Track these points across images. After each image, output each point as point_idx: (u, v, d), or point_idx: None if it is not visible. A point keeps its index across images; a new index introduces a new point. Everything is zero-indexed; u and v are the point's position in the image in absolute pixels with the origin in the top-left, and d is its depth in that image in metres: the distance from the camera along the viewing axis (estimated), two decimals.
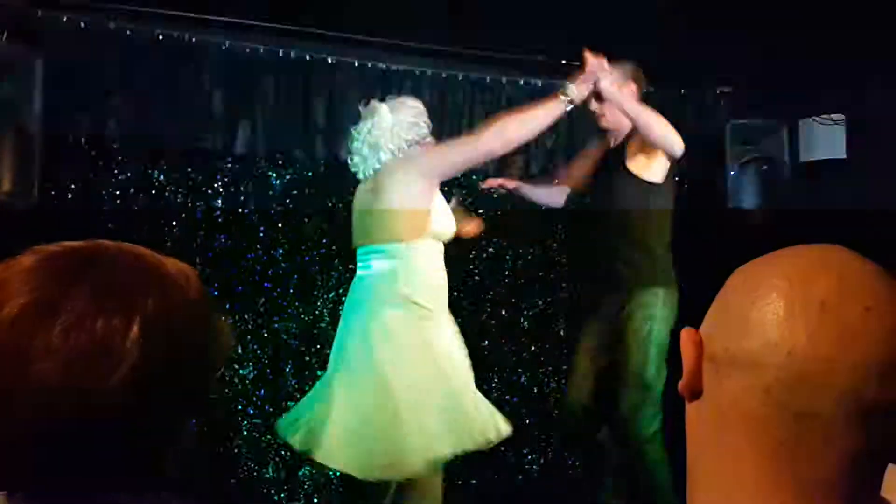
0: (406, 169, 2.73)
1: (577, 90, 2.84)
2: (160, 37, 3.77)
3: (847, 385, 0.60)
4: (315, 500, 4.20)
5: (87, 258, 0.81)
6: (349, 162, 2.95)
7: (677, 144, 3.05)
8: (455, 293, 4.37)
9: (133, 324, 0.77)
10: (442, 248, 2.81)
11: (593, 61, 2.91)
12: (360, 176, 2.93)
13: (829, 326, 0.61)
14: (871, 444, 0.61)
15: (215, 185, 4.11)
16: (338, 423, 2.59)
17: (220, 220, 4.11)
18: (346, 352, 2.73)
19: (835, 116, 4.17)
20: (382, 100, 2.93)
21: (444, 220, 2.78)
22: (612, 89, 3.00)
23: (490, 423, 2.76)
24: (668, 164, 3.23)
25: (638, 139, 3.25)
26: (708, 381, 0.67)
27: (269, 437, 4.12)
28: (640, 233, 3.19)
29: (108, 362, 0.76)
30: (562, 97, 2.80)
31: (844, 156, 4.16)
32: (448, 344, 2.74)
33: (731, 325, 0.66)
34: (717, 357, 0.66)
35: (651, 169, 3.22)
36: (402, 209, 2.66)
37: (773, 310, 0.63)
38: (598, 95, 3.16)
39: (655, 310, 3.09)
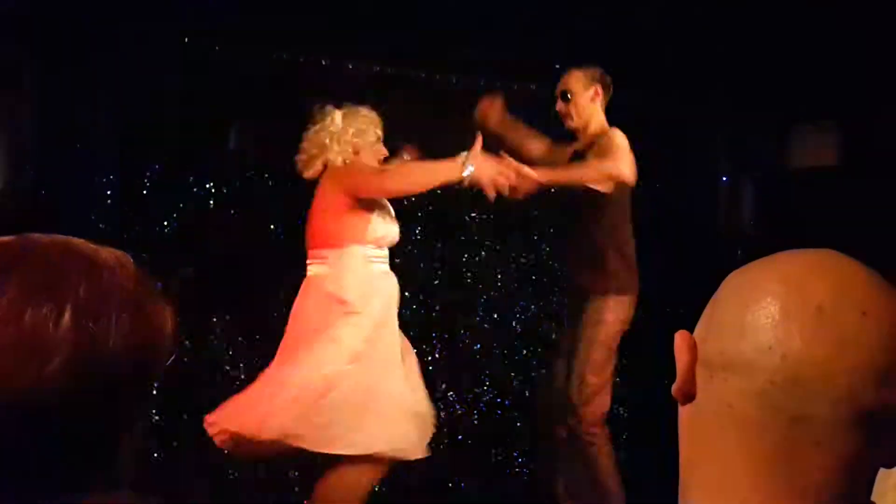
0: (335, 184, 2.86)
1: (474, 164, 2.81)
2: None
3: (843, 390, 0.60)
4: (304, 502, 4.18)
5: (15, 251, 0.79)
6: (296, 158, 3.02)
7: (623, 177, 3.04)
8: (448, 296, 4.42)
9: (64, 312, 0.75)
10: (384, 252, 2.92)
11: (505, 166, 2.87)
12: (305, 174, 3.00)
13: (825, 331, 0.61)
14: (864, 449, 0.61)
15: (207, 186, 4.10)
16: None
17: (211, 221, 4.09)
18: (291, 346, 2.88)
19: (826, 123, 4.20)
20: (339, 105, 3.02)
21: (383, 228, 2.89)
22: (526, 173, 2.89)
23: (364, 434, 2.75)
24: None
25: (597, 149, 3.20)
26: (702, 384, 0.67)
27: None
28: (591, 241, 3.19)
29: (39, 353, 0.74)
30: (461, 163, 2.81)
31: (836, 163, 4.18)
32: (363, 342, 2.78)
33: (726, 329, 0.65)
34: (711, 361, 0.66)
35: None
36: (335, 216, 2.82)
37: (768, 313, 0.63)
38: (563, 95, 3.19)
39: (604, 315, 3.15)
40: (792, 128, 4.34)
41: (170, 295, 0.87)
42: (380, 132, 3.00)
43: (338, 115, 2.95)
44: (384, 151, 3.02)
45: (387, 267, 2.94)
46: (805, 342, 0.61)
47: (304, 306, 2.90)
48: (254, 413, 2.71)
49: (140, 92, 3.78)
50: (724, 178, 4.73)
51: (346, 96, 3.16)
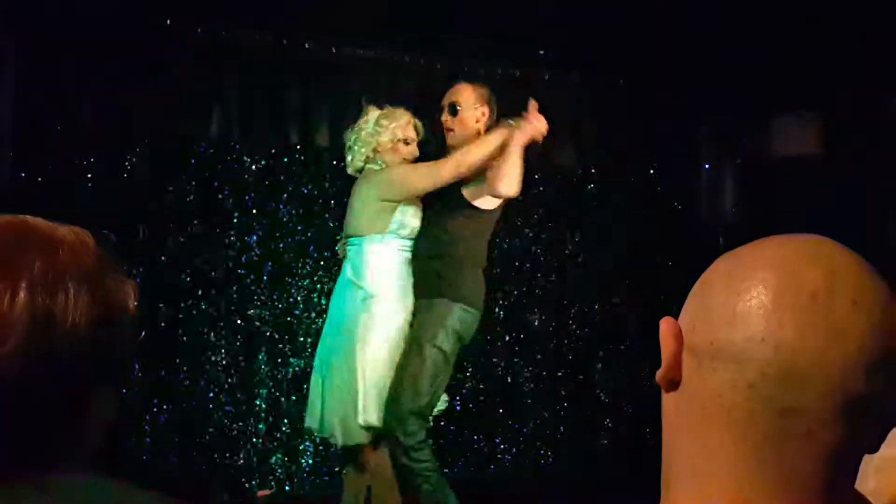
0: (370, 185, 3.07)
1: (524, 124, 3.03)
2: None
3: (835, 380, 0.59)
4: (287, 488, 4.18)
5: None
6: (345, 155, 3.24)
7: (513, 190, 3.02)
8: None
9: (19, 290, 0.74)
10: (406, 242, 3.11)
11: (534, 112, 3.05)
12: (349, 169, 3.22)
13: (817, 319, 0.60)
14: (853, 439, 0.61)
15: (189, 170, 4.06)
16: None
17: (192, 204, 4.06)
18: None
19: (808, 113, 4.22)
20: (379, 104, 3.22)
21: (405, 220, 3.08)
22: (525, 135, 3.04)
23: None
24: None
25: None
26: (689, 373, 0.66)
27: (240, 424, 4.10)
28: (455, 252, 3.11)
29: None
30: (510, 123, 3.05)
31: (819, 151, 4.21)
32: (382, 325, 2.99)
33: (716, 318, 0.64)
34: (699, 349, 0.65)
35: (482, 197, 3.10)
36: (363, 211, 3.05)
37: (759, 302, 0.62)
38: (452, 108, 3.14)
39: (448, 321, 3.03)
40: (774, 117, 4.36)
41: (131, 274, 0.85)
42: (405, 133, 3.15)
43: (372, 114, 3.15)
44: (416, 152, 3.18)
45: (409, 254, 3.11)
46: (798, 332, 0.60)
47: (335, 295, 3.15)
48: None
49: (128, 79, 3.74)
50: (706, 166, 4.76)
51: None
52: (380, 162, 3.14)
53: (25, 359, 0.74)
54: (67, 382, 0.78)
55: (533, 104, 3.05)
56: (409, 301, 3.06)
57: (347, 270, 3.06)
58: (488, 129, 3.15)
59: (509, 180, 2.98)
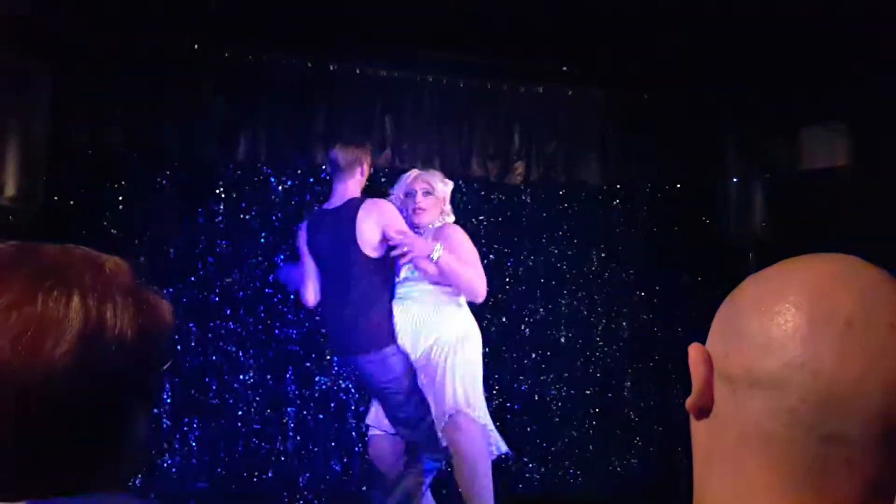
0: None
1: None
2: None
3: (876, 406, 0.58)
4: None
5: (13, 251, 0.81)
6: None
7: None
8: None
9: (73, 294, 0.77)
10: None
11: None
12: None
13: (855, 345, 0.59)
14: (893, 467, 0.59)
15: (217, 192, 4.12)
16: None
17: (221, 225, 4.11)
18: None
19: (836, 124, 4.17)
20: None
21: None
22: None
23: None
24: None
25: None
26: (722, 400, 0.65)
27: (267, 444, 4.11)
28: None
29: (53, 333, 0.75)
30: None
31: (848, 163, 4.15)
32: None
33: (750, 343, 0.63)
34: (734, 377, 0.63)
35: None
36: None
37: (794, 327, 0.60)
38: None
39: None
40: (802, 130, 4.31)
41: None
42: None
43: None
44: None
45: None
46: (836, 358, 0.59)
47: None
48: None
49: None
50: (735, 180, 4.71)
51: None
52: None
53: (77, 362, 0.76)
54: (112, 392, 0.80)
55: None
56: None
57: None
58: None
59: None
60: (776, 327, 0.62)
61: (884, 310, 0.60)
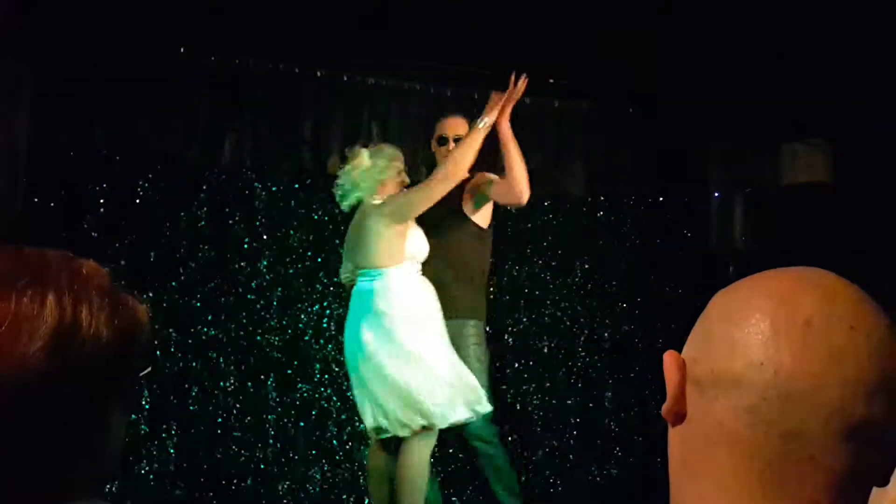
0: (378, 216, 3.28)
1: (488, 118, 3.32)
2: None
3: (834, 404, 0.60)
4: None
5: None
6: (334, 193, 3.44)
7: (525, 195, 3.32)
8: None
9: (48, 293, 0.78)
10: (419, 266, 3.32)
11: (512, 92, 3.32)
12: (343, 206, 3.43)
13: (815, 345, 0.61)
14: (856, 465, 0.61)
15: (200, 196, 4.09)
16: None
17: (203, 230, 4.09)
18: (350, 354, 3.30)
19: (817, 140, 4.22)
20: (365, 145, 3.46)
21: (417, 245, 3.31)
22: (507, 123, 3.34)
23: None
24: (490, 213, 3.53)
25: (472, 185, 3.41)
26: (692, 404, 0.66)
27: (248, 450, 4.08)
28: (463, 268, 3.47)
29: (27, 332, 0.75)
30: (479, 125, 3.30)
31: (828, 179, 4.21)
32: (417, 343, 3.18)
33: (716, 347, 0.65)
34: (701, 380, 0.65)
35: (480, 214, 3.48)
36: (378, 245, 3.26)
37: (757, 329, 0.63)
38: (443, 140, 3.44)
39: (470, 339, 3.41)
40: (783, 145, 4.36)
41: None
42: (401, 165, 3.40)
43: (365, 154, 3.34)
44: (406, 180, 3.41)
45: (420, 275, 3.33)
46: (796, 356, 0.61)
47: (356, 319, 3.28)
48: None
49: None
50: (716, 194, 4.76)
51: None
52: (377, 195, 3.33)
53: (51, 360, 0.76)
54: (86, 391, 0.80)
55: (512, 78, 3.30)
56: (437, 320, 3.26)
57: (378, 303, 3.19)
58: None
59: (522, 186, 3.29)
60: (739, 330, 0.64)
61: (845, 312, 0.62)
